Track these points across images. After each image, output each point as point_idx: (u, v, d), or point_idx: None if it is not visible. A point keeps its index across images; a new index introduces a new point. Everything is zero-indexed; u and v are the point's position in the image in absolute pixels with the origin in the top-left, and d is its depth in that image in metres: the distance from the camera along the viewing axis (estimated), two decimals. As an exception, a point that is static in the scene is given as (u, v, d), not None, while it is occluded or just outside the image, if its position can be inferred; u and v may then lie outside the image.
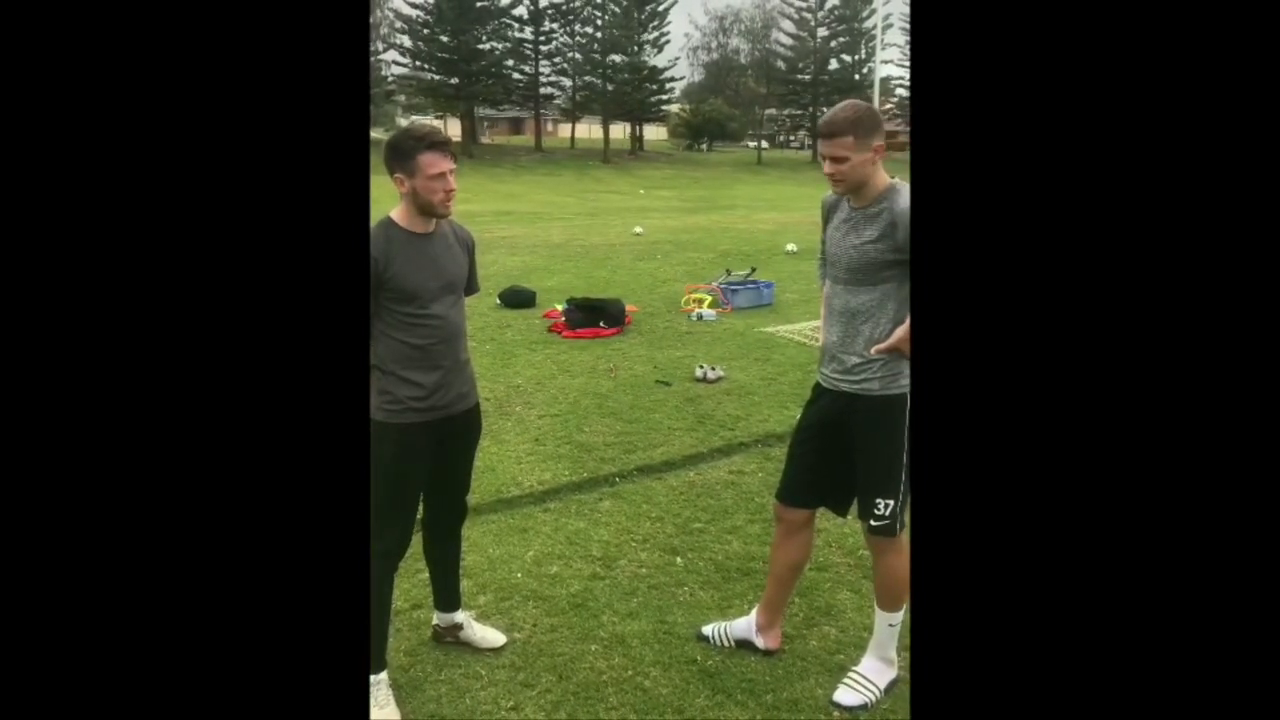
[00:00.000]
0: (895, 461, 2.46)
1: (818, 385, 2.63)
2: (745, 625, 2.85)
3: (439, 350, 2.43)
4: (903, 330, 2.37)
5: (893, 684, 2.62)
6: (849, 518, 2.80)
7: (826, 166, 2.35)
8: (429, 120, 45.82)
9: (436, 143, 2.32)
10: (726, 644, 2.83)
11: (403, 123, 55.03)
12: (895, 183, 2.40)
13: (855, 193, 2.41)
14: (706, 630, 2.88)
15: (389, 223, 2.39)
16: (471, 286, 2.60)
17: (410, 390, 2.41)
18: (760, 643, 2.81)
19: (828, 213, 2.58)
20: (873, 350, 2.41)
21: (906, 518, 2.52)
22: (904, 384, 2.44)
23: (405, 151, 2.31)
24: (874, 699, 2.55)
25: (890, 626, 2.61)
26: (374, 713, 2.45)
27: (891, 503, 2.48)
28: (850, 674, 2.62)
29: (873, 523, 2.51)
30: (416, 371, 2.41)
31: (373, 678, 2.50)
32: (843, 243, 2.45)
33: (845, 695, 2.55)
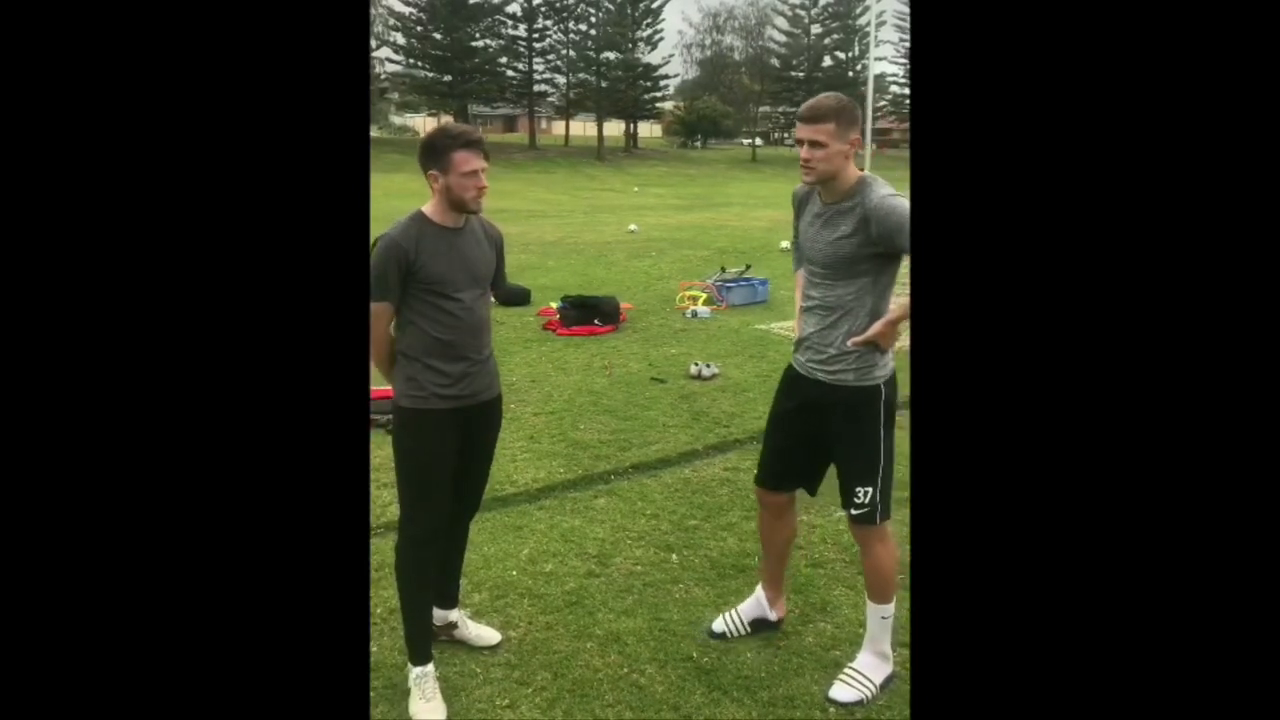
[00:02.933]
0: (873, 450, 2.51)
1: (791, 370, 2.67)
2: (755, 605, 2.91)
3: (464, 342, 2.47)
4: (880, 324, 2.42)
5: (889, 679, 2.62)
6: (845, 517, 2.81)
7: (804, 151, 2.36)
8: (425, 117, 45.75)
9: (470, 141, 2.37)
10: (743, 630, 2.87)
11: (396, 120, 55.03)
12: (866, 176, 2.42)
13: (826, 185, 2.42)
14: (718, 627, 2.89)
15: (421, 217, 2.43)
16: (498, 282, 2.64)
17: (435, 378, 2.44)
18: (773, 616, 2.90)
19: (799, 205, 2.60)
20: (850, 343, 2.44)
21: (891, 507, 2.58)
22: (878, 375, 2.48)
23: (440, 149, 2.36)
24: (870, 695, 2.55)
25: (883, 619, 2.63)
26: (420, 705, 2.47)
27: (870, 490, 2.52)
28: (846, 670, 2.62)
29: (853, 511, 2.55)
30: (442, 361, 2.45)
31: (418, 670, 2.53)
32: (817, 239, 2.47)
33: (841, 691, 2.55)
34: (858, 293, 2.42)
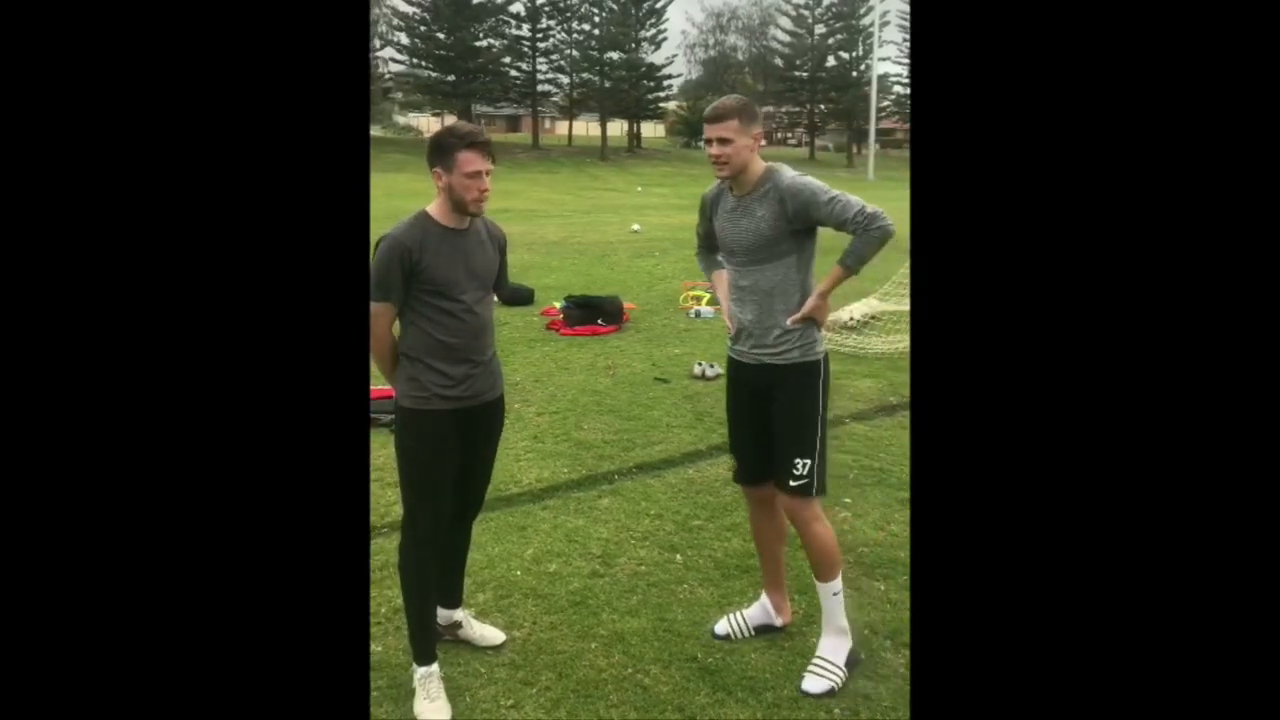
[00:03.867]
0: (812, 422, 2.60)
1: (734, 362, 2.75)
2: (760, 611, 2.92)
3: (466, 344, 2.47)
4: (813, 299, 2.56)
5: (852, 656, 2.66)
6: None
7: (713, 149, 2.52)
8: (429, 117, 45.86)
9: (476, 142, 2.37)
10: (748, 634, 2.88)
11: (399, 120, 55.09)
12: (773, 165, 2.59)
13: (738, 180, 2.57)
14: (721, 629, 2.89)
15: (425, 217, 2.43)
16: (500, 283, 2.64)
17: (437, 379, 2.44)
18: (779, 621, 2.91)
19: (710, 206, 2.74)
20: (789, 321, 2.56)
21: (826, 483, 2.66)
22: (820, 350, 2.63)
23: (445, 148, 2.36)
24: (839, 681, 2.59)
25: (834, 595, 2.67)
26: (424, 705, 2.47)
27: (809, 461, 2.58)
28: (814, 661, 2.65)
29: (792, 483, 2.59)
30: (444, 362, 2.45)
31: (422, 670, 2.53)
32: (736, 229, 2.60)
33: (812, 683, 2.58)
34: (785, 272, 2.57)
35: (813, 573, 2.70)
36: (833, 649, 2.65)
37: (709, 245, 2.84)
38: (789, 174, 2.54)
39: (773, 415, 2.64)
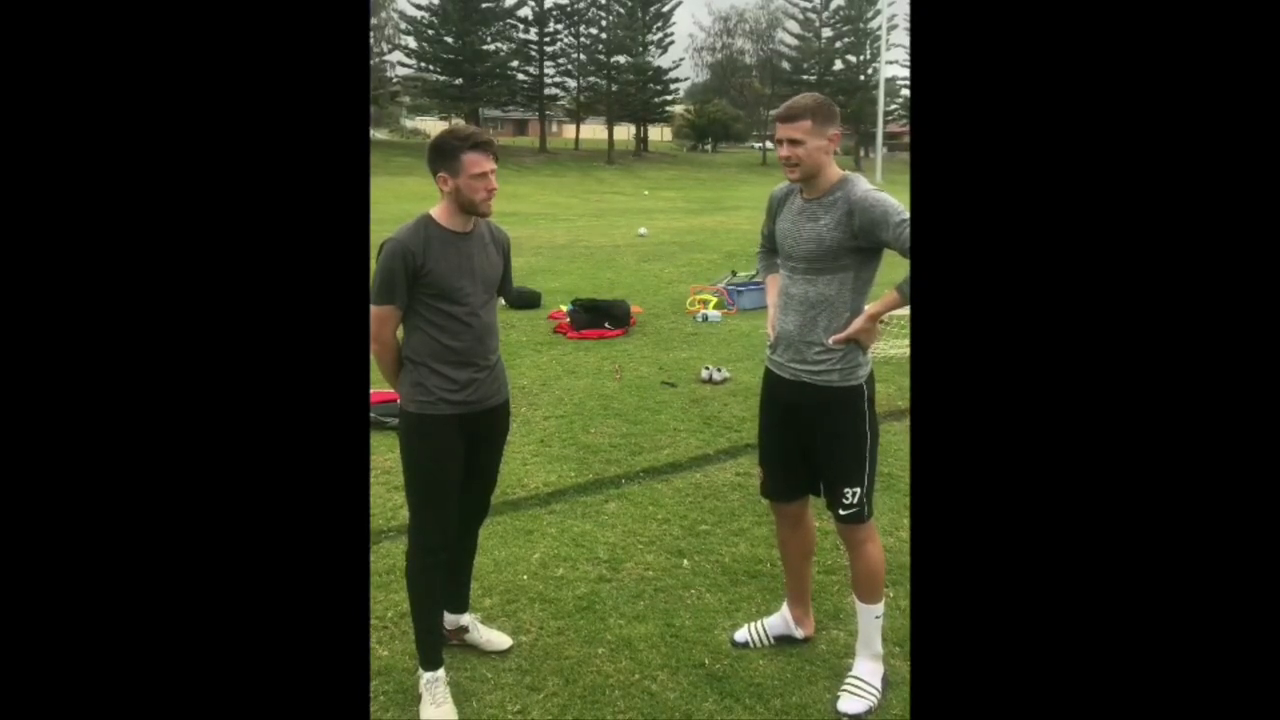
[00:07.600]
0: (859, 450, 2.52)
1: (771, 375, 2.66)
2: (780, 622, 2.89)
3: (471, 348, 2.46)
4: (860, 320, 2.45)
5: (884, 679, 2.63)
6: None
7: (784, 150, 2.42)
8: (436, 120, 46.00)
9: (480, 143, 2.36)
10: (767, 643, 2.85)
11: (407, 124, 55.33)
12: (848, 174, 2.47)
13: (808, 182, 2.47)
14: (740, 637, 2.87)
15: (428, 220, 2.42)
16: (506, 287, 2.62)
17: (441, 383, 2.44)
18: (800, 634, 2.87)
19: (776, 206, 2.64)
20: (831, 340, 2.46)
21: (875, 505, 2.59)
22: (862, 374, 2.52)
23: (449, 151, 2.35)
24: (877, 701, 2.55)
25: (875, 619, 2.63)
26: (431, 710, 2.47)
27: (858, 490, 2.53)
28: (849, 680, 2.61)
29: (841, 512, 2.55)
30: (448, 367, 2.44)
31: (429, 675, 2.52)
32: (798, 233, 2.49)
33: (851, 703, 2.54)
34: (839, 288, 2.46)
35: (855, 593, 2.65)
36: (870, 671, 2.61)
37: (771, 246, 2.71)
38: (863, 186, 2.42)
39: (816, 442, 2.56)
